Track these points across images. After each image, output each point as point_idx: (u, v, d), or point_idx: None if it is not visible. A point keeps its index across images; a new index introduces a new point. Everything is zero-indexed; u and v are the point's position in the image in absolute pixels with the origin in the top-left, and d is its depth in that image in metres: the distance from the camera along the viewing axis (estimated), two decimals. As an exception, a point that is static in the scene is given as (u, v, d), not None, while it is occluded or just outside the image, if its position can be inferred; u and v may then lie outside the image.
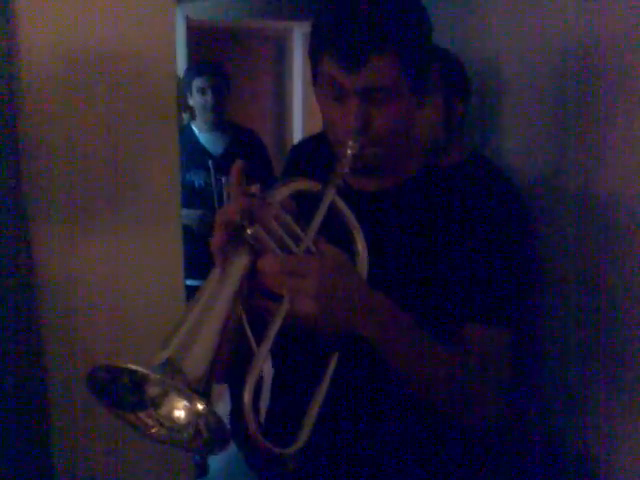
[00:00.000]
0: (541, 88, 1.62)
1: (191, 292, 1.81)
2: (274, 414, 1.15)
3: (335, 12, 0.94)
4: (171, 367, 0.71)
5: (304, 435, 0.85)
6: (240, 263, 0.81)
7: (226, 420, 0.72)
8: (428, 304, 1.01)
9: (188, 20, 4.60)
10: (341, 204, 0.93)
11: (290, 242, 0.83)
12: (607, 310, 1.34)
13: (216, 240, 0.83)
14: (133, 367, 0.68)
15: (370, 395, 1.04)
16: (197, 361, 0.73)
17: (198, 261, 2.03)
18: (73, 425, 1.75)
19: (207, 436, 0.74)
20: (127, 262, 1.74)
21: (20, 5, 1.58)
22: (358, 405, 1.04)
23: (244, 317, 0.82)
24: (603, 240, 1.36)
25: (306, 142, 1.36)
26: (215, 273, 0.81)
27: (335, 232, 0.90)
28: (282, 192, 0.88)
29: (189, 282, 2.02)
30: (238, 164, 0.87)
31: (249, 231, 0.80)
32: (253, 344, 0.80)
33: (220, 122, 2.98)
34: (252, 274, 0.81)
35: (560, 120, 1.52)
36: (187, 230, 2.31)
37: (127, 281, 1.75)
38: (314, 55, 0.99)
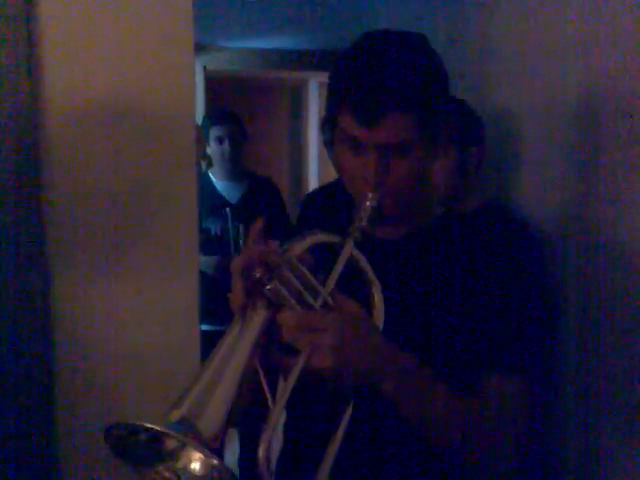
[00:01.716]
0: (556, 136, 1.63)
1: (206, 337, 1.81)
2: (288, 463, 1.14)
3: (352, 68, 0.95)
4: (187, 425, 0.71)
5: None
6: (259, 318, 0.82)
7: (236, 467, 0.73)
8: (445, 353, 1.01)
9: (206, 70, 4.70)
10: (359, 256, 0.94)
11: (308, 296, 0.84)
12: (624, 357, 1.33)
13: (235, 295, 0.84)
14: (149, 426, 0.69)
15: (384, 445, 1.03)
16: (212, 419, 0.74)
17: (214, 307, 2.05)
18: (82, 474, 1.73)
19: None
20: (144, 307, 1.75)
21: (43, 55, 1.62)
22: (372, 455, 1.03)
23: (261, 372, 0.82)
24: (622, 286, 1.35)
25: (319, 191, 1.37)
26: (234, 327, 0.82)
27: (352, 283, 0.91)
28: (300, 245, 0.89)
29: (204, 327, 2.03)
30: (258, 223, 0.88)
31: (268, 286, 0.81)
32: (270, 400, 0.81)
33: (237, 170, 3.02)
34: (270, 328, 0.82)
35: (575, 167, 1.53)
36: (203, 276, 2.32)
37: (143, 326, 1.75)
38: (331, 109, 1.00)
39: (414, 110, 0.93)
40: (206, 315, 2.01)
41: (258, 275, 0.82)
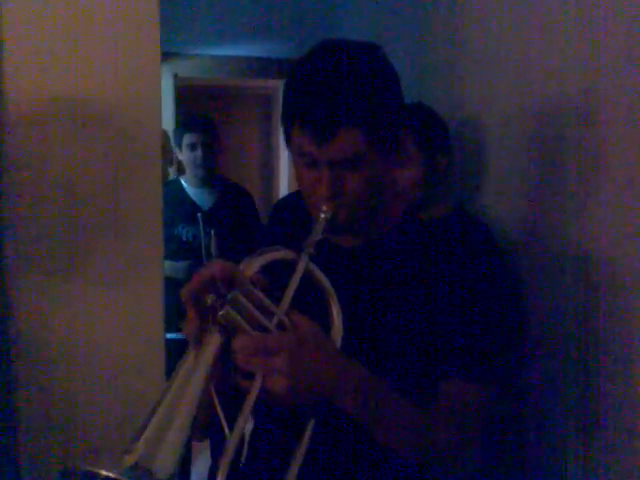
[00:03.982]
0: (522, 145, 1.66)
1: (178, 345, 1.80)
2: (252, 476, 1.14)
3: (303, 85, 0.95)
4: (141, 469, 0.72)
5: None
6: (213, 344, 0.83)
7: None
8: (407, 360, 1.01)
9: (176, 78, 4.69)
10: (316, 271, 0.94)
11: (262, 318, 0.84)
12: (595, 365, 1.36)
13: (189, 323, 0.85)
14: (105, 473, 0.69)
15: (347, 458, 1.03)
16: (166, 461, 0.74)
17: (182, 314, 2.03)
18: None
19: None
20: (107, 315, 1.73)
21: (6, 60, 1.61)
22: (335, 468, 1.03)
23: (216, 400, 0.82)
24: (582, 293, 1.38)
25: (288, 198, 1.37)
26: (189, 355, 0.83)
27: (310, 297, 0.91)
28: (254, 264, 0.90)
29: (175, 335, 2.02)
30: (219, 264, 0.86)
31: (220, 313, 0.82)
32: (226, 430, 0.81)
33: (209, 177, 3.01)
34: (226, 352, 0.83)
35: (541, 176, 1.56)
36: (175, 283, 2.31)
37: (106, 333, 1.73)
38: (285, 124, 1.01)
39: (365, 124, 0.93)
40: (176, 323, 1.99)
41: (210, 302, 0.83)
